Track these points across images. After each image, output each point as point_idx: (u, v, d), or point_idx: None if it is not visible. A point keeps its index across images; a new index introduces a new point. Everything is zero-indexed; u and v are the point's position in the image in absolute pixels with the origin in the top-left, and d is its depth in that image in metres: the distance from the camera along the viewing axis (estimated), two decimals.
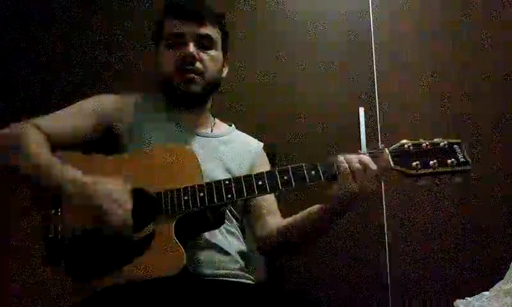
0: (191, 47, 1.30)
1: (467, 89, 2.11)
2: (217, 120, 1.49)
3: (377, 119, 2.06)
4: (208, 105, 1.44)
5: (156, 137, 1.29)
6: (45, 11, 2.08)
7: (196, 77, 1.31)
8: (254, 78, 2.06)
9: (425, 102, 2.10)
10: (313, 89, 2.10)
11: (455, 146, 1.10)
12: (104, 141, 1.33)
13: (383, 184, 1.96)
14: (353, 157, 1.09)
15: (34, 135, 1.18)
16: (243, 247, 1.32)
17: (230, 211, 1.31)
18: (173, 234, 1.06)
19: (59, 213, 1.11)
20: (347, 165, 1.08)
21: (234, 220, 1.33)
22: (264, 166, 1.36)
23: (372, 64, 2.12)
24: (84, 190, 1.06)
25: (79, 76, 2.04)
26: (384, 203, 1.97)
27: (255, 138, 1.51)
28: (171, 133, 1.33)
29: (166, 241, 1.05)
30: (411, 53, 2.15)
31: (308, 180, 1.09)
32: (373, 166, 1.07)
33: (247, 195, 1.09)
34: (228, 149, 1.38)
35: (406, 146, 1.10)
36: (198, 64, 1.31)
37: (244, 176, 1.10)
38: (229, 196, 1.09)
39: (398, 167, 1.09)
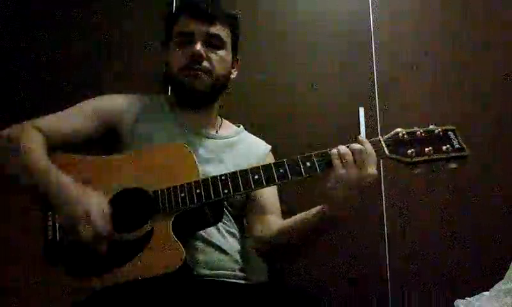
0: (199, 46, 1.30)
1: (467, 89, 2.11)
2: (225, 121, 1.48)
3: (377, 119, 2.06)
4: (216, 106, 1.44)
5: (159, 138, 1.29)
6: (45, 11, 2.08)
7: (202, 75, 1.31)
8: (254, 78, 2.05)
9: (425, 102, 2.10)
10: (313, 89, 2.09)
11: (449, 132, 1.11)
12: (105, 142, 1.33)
13: (382, 182, 1.96)
14: (343, 146, 1.10)
15: (32, 138, 1.18)
16: (242, 248, 1.32)
17: (230, 212, 1.31)
18: (171, 231, 1.06)
19: (57, 216, 1.11)
20: (336, 151, 1.09)
21: (234, 221, 1.33)
22: None
23: (372, 64, 2.12)
24: (65, 202, 1.06)
25: (80, 77, 2.04)
26: (384, 202, 1.97)
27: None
28: (175, 134, 1.33)
29: (164, 239, 1.05)
30: (411, 53, 2.15)
31: (303, 172, 1.09)
32: (363, 152, 1.06)
33: (243, 189, 1.09)
34: (233, 152, 1.37)
35: (400, 134, 1.11)
36: (205, 63, 1.31)
37: (240, 171, 1.10)
38: (226, 191, 1.09)
39: (393, 156, 1.09)
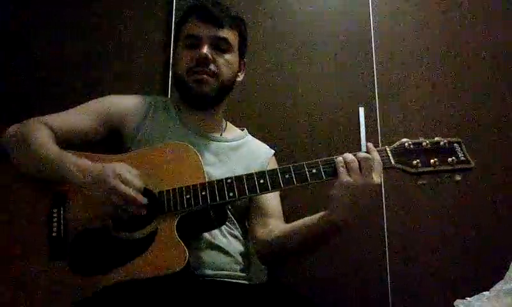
0: (206, 49, 1.31)
1: (467, 89, 2.12)
2: (229, 124, 1.49)
3: (377, 119, 2.06)
4: (221, 108, 1.44)
5: (164, 139, 1.30)
6: (46, 11, 2.07)
7: (208, 78, 1.32)
8: (254, 78, 2.05)
9: (425, 102, 2.10)
10: (313, 89, 2.10)
11: (455, 144, 1.12)
12: (111, 141, 1.34)
13: (383, 184, 1.96)
14: (350, 153, 1.10)
15: (42, 132, 1.19)
16: (245, 249, 1.32)
17: (233, 214, 1.31)
18: (175, 232, 1.06)
19: (62, 212, 1.11)
20: (342, 159, 1.09)
21: (237, 224, 1.33)
22: None
23: (372, 64, 2.12)
24: (95, 175, 1.07)
25: (81, 77, 2.03)
26: (384, 203, 1.97)
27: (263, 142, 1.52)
28: (180, 135, 1.33)
29: (168, 239, 1.06)
30: (411, 53, 2.15)
31: (309, 178, 1.09)
32: (369, 160, 1.07)
33: (249, 193, 1.10)
34: (236, 156, 1.38)
35: (406, 144, 1.12)
36: (211, 66, 1.33)
37: (246, 175, 1.11)
38: (231, 194, 1.09)
39: (399, 166, 1.10)
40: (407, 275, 1.91)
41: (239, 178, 1.11)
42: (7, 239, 1.11)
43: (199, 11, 1.36)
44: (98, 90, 1.93)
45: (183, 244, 1.05)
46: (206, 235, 1.21)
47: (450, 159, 1.09)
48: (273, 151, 1.48)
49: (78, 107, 1.34)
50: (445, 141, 1.12)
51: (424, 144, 1.12)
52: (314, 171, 1.10)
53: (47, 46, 2.04)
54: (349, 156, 1.09)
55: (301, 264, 1.83)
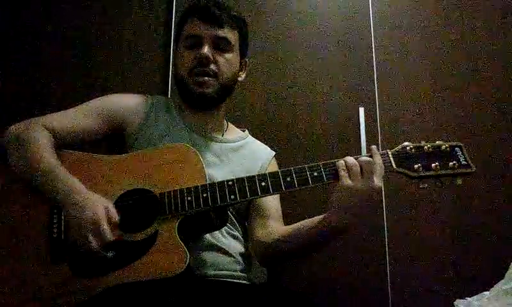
0: (206, 49, 1.31)
1: (468, 89, 2.12)
2: (230, 125, 1.49)
3: (377, 119, 2.06)
4: (223, 109, 1.44)
5: (166, 140, 1.29)
6: (46, 11, 2.07)
7: (209, 79, 1.32)
8: (254, 78, 2.05)
9: (425, 102, 2.10)
10: (313, 89, 2.10)
11: (456, 148, 1.12)
12: (112, 141, 1.34)
13: (383, 185, 1.96)
14: (351, 157, 1.10)
15: (40, 136, 1.19)
16: (245, 250, 1.32)
17: (234, 216, 1.31)
18: (176, 234, 1.06)
19: (63, 214, 1.11)
20: (343, 162, 1.09)
21: (238, 224, 1.33)
22: None
23: (372, 64, 2.12)
24: (73, 208, 1.07)
25: (81, 77, 2.03)
26: (384, 203, 1.98)
27: (261, 141, 1.52)
28: (181, 135, 1.33)
29: (169, 241, 1.06)
30: (411, 53, 2.15)
31: (310, 181, 1.09)
32: (371, 163, 1.07)
33: (250, 196, 1.10)
34: (237, 157, 1.38)
35: (408, 148, 1.12)
36: (212, 66, 1.32)
37: (247, 177, 1.11)
38: (232, 196, 1.09)
39: (400, 170, 1.10)
40: (407, 275, 1.91)
41: (240, 180, 1.11)
42: (7, 240, 1.10)
43: (199, 11, 1.35)
44: (98, 90, 1.93)
45: (184, 246, 1.05)
46: (206, 235, 1.21)
47: (451, 163, 1.09)
48: (274, 153, 1.48)
49: (79, 106, 1.33)
50: (447, 145, 1.12)
51: (426, 148, 1.12)
52: (315, 174, 1.10)
53: (47, 46, 2.04)
54: (351, 159, 1.09)
55: (301, 264, 1.83)
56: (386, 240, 1.93)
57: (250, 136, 1.50)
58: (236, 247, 1.29)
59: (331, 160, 1.11)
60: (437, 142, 1.13)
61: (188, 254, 1.04)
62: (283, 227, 1.31)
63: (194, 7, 1.38)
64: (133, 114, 1.35)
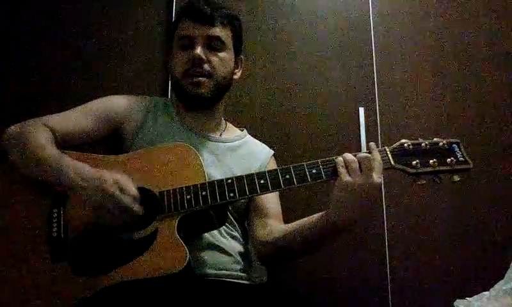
0: (199, 49, 1.31)
1: (468, 89, 2.12)
2: (229, 124, 1.49)
3: (377, 119, 2.06)
4: (220, 108, 1.44)
5: (164, 140, 1.30)
6: (45, 12, 2.07)
7: (203, 79, 1.32)
8: (254, 78, 2.06)
9: (425, 102, 2.10)
10: (313, 89, 2.10)
11: (454, 145, 1.13)
12: (111, 141, 1.34)
13: (383, 185, 1.97)
14: (350, 154, 1.10)
15: (42, 134, 1.20)
16: (245, 250, 1.32)
17: (233, 215, 1.32)
18: (176, 232, 1.07)
19: (62, 213, 1.11)
20: (342, 159, 1.09)
21: (237, 225, 1.34)
22: None
23: (372, 64, 2.12)
24: (92, 181, 1.07)
25: (81, 78, 2.03)
26: (384, 203, 1.97)
27: (256, 140, 1.52)
28: (179, 135, 1.34)
29: (168, 239, 1.06)
30: (411, 53, 2.15)
31: (309, 179, 1.10)
32: (370, 160, 1.07)
33: (249, 194, 1.10)
34: (235, 156, 1.38)
35: (406, 145, 1.13)
36: (206, 66, 1.32)
37: (246, 175, 1.11)
38: (231, 194, 1.10)
39: (399, 166, 1.11)
40: (407, 275, 1.91)
41: (239, 179, 1.11)
42: (7, 239, 1.11)
43: (190, 11, 1.35)
44: (98, 90, 1.92)
45: (183, 244, 1.05)
46: (206, 234, 1.21)
47: (449, 160, 1.10)
48: (273, 152, 1.48)
49: (78, 107, 1.34)
50: (444, 141, 1.13)
51: (423, 144, 1.13)
52: (314, 171, 1.10)
53: (47, 46, 2.04)
54: (349, 156, 1.09)
55: (301, 264, 1.83)
56: (386, 240, 1.93)
57: (249, 135, 1.50)
58: (235, 247, 1.29)
59: (330, 158, 1.11)
60: (435, 139, 1.14)
61: (188, 252, 1.04)
62: (283, 225, 1.31)
63: (185, 7, 1.39)
64: (132, 115, 1.35)
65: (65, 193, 1.14)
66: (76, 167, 1.11)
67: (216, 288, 1.17)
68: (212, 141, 1.38)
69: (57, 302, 1.03)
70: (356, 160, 1.08)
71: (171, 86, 1.98)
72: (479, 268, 1.89)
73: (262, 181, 1.10)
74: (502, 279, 1.30)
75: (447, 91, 2.12)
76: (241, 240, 1.33)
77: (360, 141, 2.01)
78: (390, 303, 1.87)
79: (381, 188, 1.96)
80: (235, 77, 1.44)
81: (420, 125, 2.07)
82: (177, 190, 1.11)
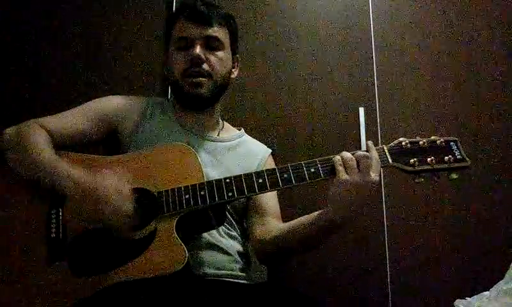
0: (198, 49, 1.31)
1: (467, 89, 2.12)
2: (226, 124, 1.49)
3: (377, 119, 2.06)
4: (218, 107, 1.44)
5: (161, 140, 1.30)
6: (45, 12, 2.07)
7: (203, 80, 1.32)
8: (254, 78, 2.06)
9: (425, 102, 2.10)
10: (313, 89, 2.10)
11: (451, 143, 1.14)
12: (108, 142, 1.34)
13: (383, 185, 1.97)
14: (348, 152, 1.10)
15: (39, 135, 1.19)
16: (244, 250, 1.32)
17: (232, 215, 1.32)
18: (175, 232, 1.07)
19: (61, 213, 1.11)
20: (340, 158, 1.09)
21: (236, 225, 1.33)
22: None
23: (372, 64, 2.12)
24: (85, 188, 1.06)
25: (80, 78, 2.04)
26: (384, 203, 1.97)
27: (256, 140, 1.52)
28: (177, 136, 1.34)
29: (167, 239, 1.06)
30: (411, 53, 2.15)
31: (307, 178, 1.10)
32: (368, 158, 1.08)
33: (248, 193, 1.10)
34: (233, 155, 1.38)
35: (403, 143, 1.13)
36: (204, 66, 1.33)
37: (245, 175, 1.11)
38: (230, 194, 1.10)
39: (396, 164, 1.11)
40: (407, 276, 1.91)
41: (237, 178, 1.11)
42: (6, 240, 1.11)
43: (187, 12, 1.35)
44: (98, 90, 1.93)
45: (182, 244, 1.05)
46: (205, 234, 1.21)
47: (446, 157, 1.11)
48: (270, 151, 1.49)
49: (75, 108, 1.33)
50: (442, 139, 1.14)
51: (421, 143, 1.13)
52: (312, 170, 1.10)
53: (47, 46, 2.04)
54: (347, 154, 1.09)
55: (301, 264, 1.83)
56: (386, 240, 1.93)
57: (246, 134, 1.50)
58: (234, 246, 1.29)
59: (328, 156, 1.11)
60: (432, 137, 1.15)
61: (187, 252, 1.04)
62: (282, 224, 1.31)
63: (182, 7, 1.39)
64: (129, 116, 1.35)
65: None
66: (71, 172, 1.10)
67: (215, 288, 1.17)
68: (210, 141, 1.38)
69: (57, 303, 1.02)
70: (353, 158, 1.09)
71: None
72: (479, 268, 1.89)
73: (260, 181, 1.10)
74: (502, 279, 1.29)
75: (447, 91, 2.11)
76: (240, 239, 1.33)
77: (359, 141, 2.01)
78: (390, 303, 1.87)
79: (381, 188, 1.96)
80: (232, 76, 1.45)
81: (419, 124, 2.06)
82: (176, 190, 1.11)
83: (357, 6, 2.18)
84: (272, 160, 1.47)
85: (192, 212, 1.10)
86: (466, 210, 1.98)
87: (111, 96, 1.40)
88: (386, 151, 1.13)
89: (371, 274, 1.90)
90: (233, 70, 1.44)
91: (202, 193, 1.10)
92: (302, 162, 1.11)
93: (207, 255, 1.22)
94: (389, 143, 1.15)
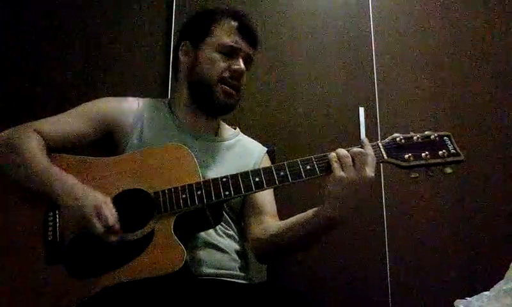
0: (242, 64, 1.33)
1: (468, 89, 2.12)
2: (222, 123, 1.49)
3: (377, 119, 2.06)
4: None
5: (158, 141, 1.29)
6: (45, 13, 2.08)
7: (235, 93, 1.35)
8: (254, 78, 2.06)
9: (425, 102, 2.10)
10: (313, 89, 2.10)
11: (445, 138, 1.14)
12: (105, 144, 1.34)
13: (382, 185, 1.96)
14: (343, 149, 1.10)
15: (32, 140, 1.19)
16: (242, 249, 1.32)
17: (229, 214, 1.31)
18: (172, 232, 1.06)
19: (58, 216, 1.11)
20: (335, 155, 1.09)
21: (233, 224, 1.33)
22: None
23: (372, 64, 2.12)
24: (74, 199, 1.08)
25: (79, 79, 2.04)
26: (384, 203, 1.97)
27: (257, 140, 1.52)
28: (174, 136, 1.33)
29: (165, 239, 1.06)
30: (411, 53, 2.15)
31: (304, 175, 1.10)
32: (363, 154, 1.08)
33: (244, 191, 1.10)
34: (230, 155, 1.38)
35: (398, 139, 1.14)
36: (242, 81, 1.35)
37: (241, 173, 1.11)
38: (227, 193, 1.09)
39: (391, 160, 1.11)
40: (407, 275, 1.90)
41: (234, 177, 1.11)
42: (4, 243, 1.11)
43: (240, 24, 1.35)
44: (98, 90, 1.94)
45: (180, 244, 1.05)
46: (202, 234, 1.21)
47: (440, 152, 1.11)
48: (266, 149, 1.49)
49: (71, 110, 1.32)
50: (436, 134, 1.14)
51: (415, 138, 1.13)
52: (308, 167, 1.10)
53: (47, 46, 2.04)
54: (343, 151, 1.09)
55: (300, 263, 1.83)
56: (386, 239, 1.93)
57: (241, 133, 1.50)
58: (232, 245, 1.29)
59: (324, 153, 1.11)
60: (426, 132, 1.15)
61: (185, 252, 1.04)
62: (278, 222, 1.31)
63: (231, 14, 1.38)
64: (124, 117, 1.35)
65: None
66: (62, 181, 1.11)
67: (214, 288, 1.17)
68: (206, 141, 1.38)
69: (57, 303, 1.02)
70: (349, 155, 1.09)
71: (171, 85, 1.99)
72: (479, 268, 1.88)
73: (256, 179, 1.10)
74: (502, 279, 1.29)
75: (447, 90, 2.11)
76: (237, 238, 1.33)
77: (359, 141, 2.01)
78: (390, 303, 1.87)
79: (381, 188, 1.96)
80: None
81: (419, 124, 2.06)
82: (172, 189, 1.10)
83: (357, 6, 2.18)
84: (268, 158, 1.47)
85: (189, 212, 1.10)
86: (466, 210, 1.98)
87: (105, 98, 1.40)
88: (381, 147, 1.13)
89: (371, 274, 1.90)
90: None
91: (199, 192, 1.09)
92: (298, 160, 1.11)
93: (205, 254, 1.21)
94: (384, 139, 1.15)
